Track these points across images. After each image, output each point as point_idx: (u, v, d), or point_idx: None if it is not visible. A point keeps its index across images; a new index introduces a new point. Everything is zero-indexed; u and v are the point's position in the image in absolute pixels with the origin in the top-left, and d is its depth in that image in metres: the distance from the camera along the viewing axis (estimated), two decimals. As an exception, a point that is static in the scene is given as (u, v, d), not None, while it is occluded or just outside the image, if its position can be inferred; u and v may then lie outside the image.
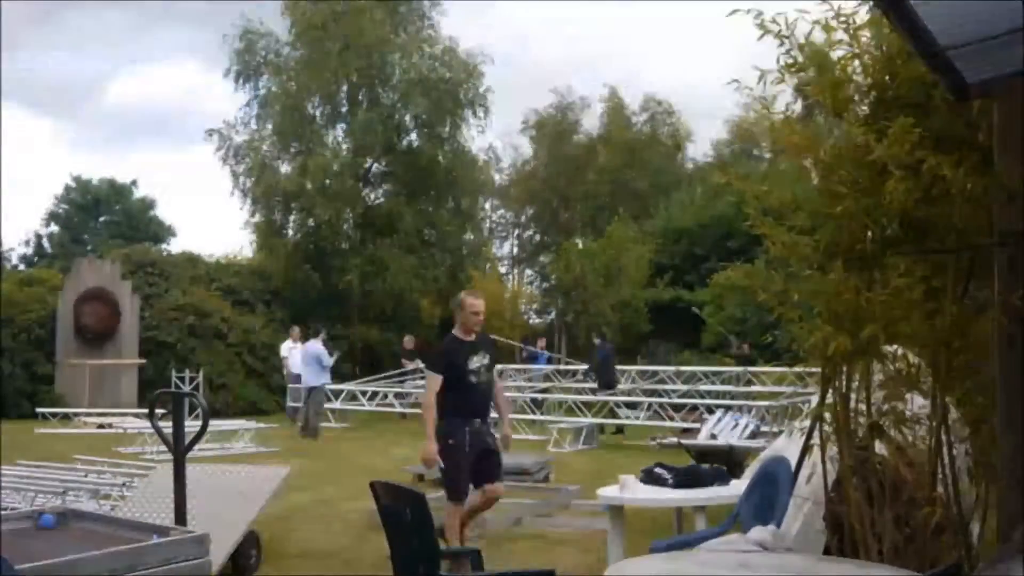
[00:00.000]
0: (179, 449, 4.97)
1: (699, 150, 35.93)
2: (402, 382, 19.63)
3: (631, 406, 16.61)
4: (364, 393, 18.48)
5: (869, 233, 3.89)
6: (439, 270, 24.85)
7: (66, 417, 16.94)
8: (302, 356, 16.38)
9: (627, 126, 33.72)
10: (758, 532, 3.93)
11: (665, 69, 55.28)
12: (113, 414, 16.71)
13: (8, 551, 3.58)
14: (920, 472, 4.14)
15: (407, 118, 25.73)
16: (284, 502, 8.44)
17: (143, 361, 19.79)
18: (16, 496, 8.72)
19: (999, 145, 3.45)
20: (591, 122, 34.70)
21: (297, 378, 16.78)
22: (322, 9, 24.84)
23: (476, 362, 6.30)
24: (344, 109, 25.88)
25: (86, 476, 9.91)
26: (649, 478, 6.28)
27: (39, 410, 17.36)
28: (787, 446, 5.70)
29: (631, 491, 6.04)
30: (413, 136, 26.03)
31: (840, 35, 3.90)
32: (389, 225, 24.23)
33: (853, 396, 4.04)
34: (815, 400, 4.37)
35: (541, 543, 7.67)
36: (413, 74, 25.08)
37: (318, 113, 25.81)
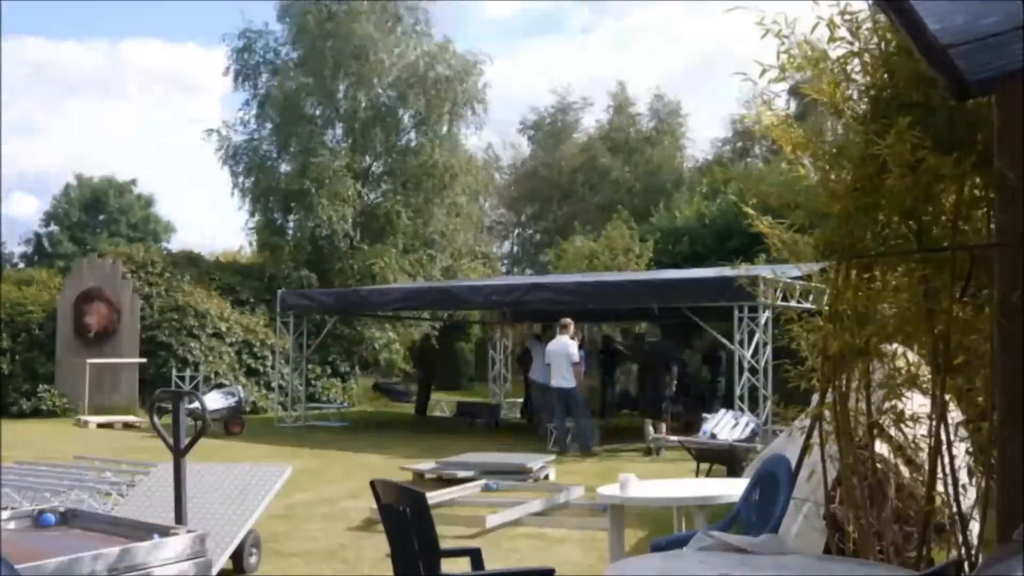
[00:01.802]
0: (178, 448, 4.97)
1: (699, 148, 35.99)
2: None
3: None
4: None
5: (868, 232, 3.89)
6: (437, 269, 24.84)
7: (67, 415, 16.94)
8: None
9: (632, 124, 33.76)
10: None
11: (667, 67, 55.39)
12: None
13: (9, 549, 3.59)
14: (920, 471, 4.15)
15: (405, 117, 25.73)
16: (285, 500, 8.45)
17: (143, 360, 19.78)
18: (16, 495, 8.72)
19: (998, 144, 3.44)
20: (593, 121, 34.77)
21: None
22: (319, 9, 24.85)
23: None
24: (343, 108, 25.87)
25: (86, 475, 9.91)
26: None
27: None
28: (787, 445, 5.71)
29: (631, 490, 6.05)
30: (411, 135, 26.03)
31: (842, 32, 3.89)
32: (387, 224, 24.22)
33: (853, 395, 4.04)
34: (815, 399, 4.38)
35: (541, 542, 7.68)
36: (410, 73, 25.08)
37: (317, 112, 25.80)
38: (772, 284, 12.25)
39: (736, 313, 12.77)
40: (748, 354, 12.68)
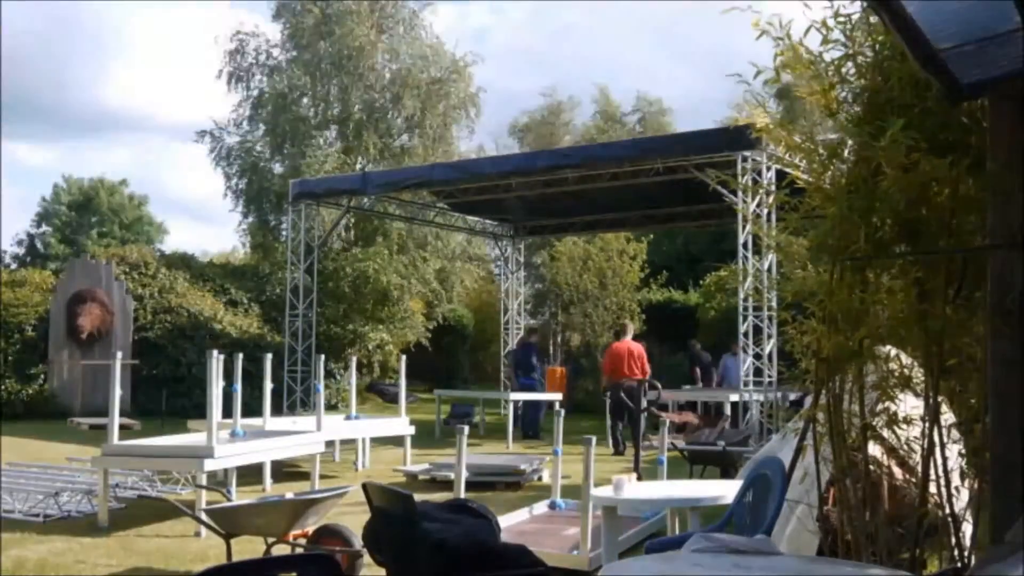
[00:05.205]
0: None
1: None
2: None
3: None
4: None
5: (862, 234, 3.89)
6: (430, 271, 24.79)
7: (59, 417, 16.89)
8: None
9: (619, 125, 33.73)
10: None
11: (657, 69, 55.51)
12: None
13: None
14: (913, 473, 4.15)
15: (398, 119, 25.71)
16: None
17: (135, 362, 19.73)
18: (8, 497, 8.70)
19: (991, 147, 3.45)
20: (582, 121, 34.72)
21: None
22: (313, 11, 24.83)
23: None
24: (336, 110, 25.85)
25: (78, 476, 9.89)
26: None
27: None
28: (780, 447, 5.72)
29: (625, 491, 6.05)
30: (404, 137, 26.00)
31: (836, 35, 3.90)
32: (380, 225, 24.18)
33: (846, 397, 4.04)
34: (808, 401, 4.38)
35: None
36: (403, 75, 25.07)
37: (310, 114, 25.78)
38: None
39: (740, 163, 12.74)
40: (752, 206, 12.13)
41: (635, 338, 15.35)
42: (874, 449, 4.20)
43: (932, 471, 3.82)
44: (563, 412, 8.19)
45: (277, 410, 17.72)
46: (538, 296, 28.26)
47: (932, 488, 3.84)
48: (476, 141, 33.16)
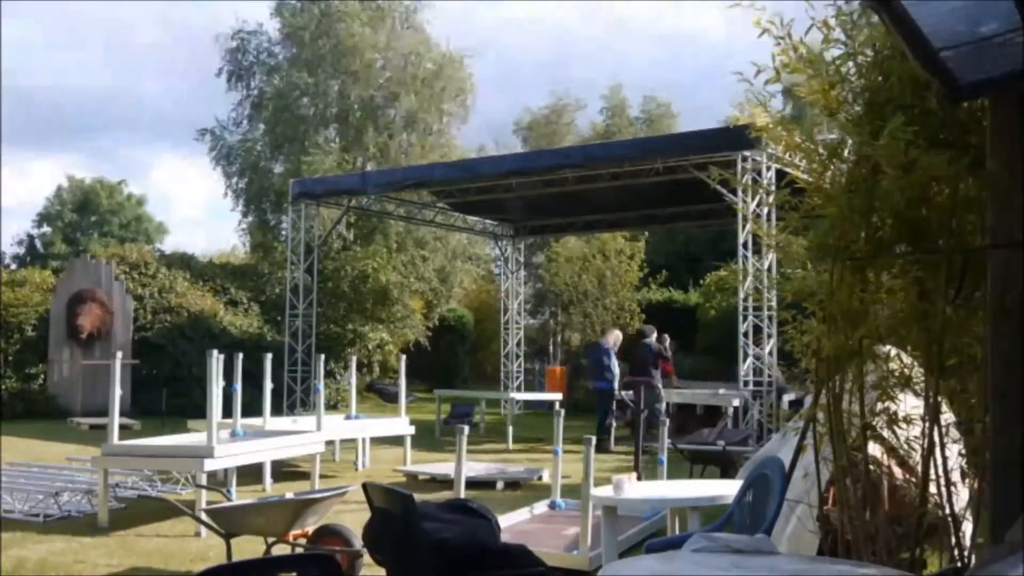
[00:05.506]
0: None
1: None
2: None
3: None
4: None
5: (862, 234, 3.89)
6: (430, 269, 24.78)
7: (59, 417, 16.89)
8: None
9: (628, 125, 33.70)
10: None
11: (659, 68, 55.48)
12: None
13: None
14: (913, 473, 4.15)
15: (397, 117, 25.71)
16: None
17: (135, 361, 19.73)
18: (9, 497, 8.70)
19: (991, 146, 3.45)
20: (586, 122, 34.70)
21: None
22: (310, 9, 24.84)
23: None
24: (335, 109, 25.84)
25: (78, 476, 9.89)
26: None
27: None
28: (780, 447, 5.71)
29: (625, 491, 6.05)
30: (404, 135, 26.00)
31: (837, 34, 3.90)
32: (379, 225, 24.19)
33: (846, 396, 4.04)
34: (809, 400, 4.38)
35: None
36: (402, 73, 25.08)
37: (310, 113, 25.78)
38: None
39: (740, 163, 12.75)
40: (752, 206, 11.97)
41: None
42: (874, 449, 4.20)
43: (932, 471, 3.82)
44: (563, 412, 8.19)
45: (277, 410, 17.76)
46: (538, 296, 28.25)
47: (932, 488, 3.84)
48: (477, 140, 33.24)
